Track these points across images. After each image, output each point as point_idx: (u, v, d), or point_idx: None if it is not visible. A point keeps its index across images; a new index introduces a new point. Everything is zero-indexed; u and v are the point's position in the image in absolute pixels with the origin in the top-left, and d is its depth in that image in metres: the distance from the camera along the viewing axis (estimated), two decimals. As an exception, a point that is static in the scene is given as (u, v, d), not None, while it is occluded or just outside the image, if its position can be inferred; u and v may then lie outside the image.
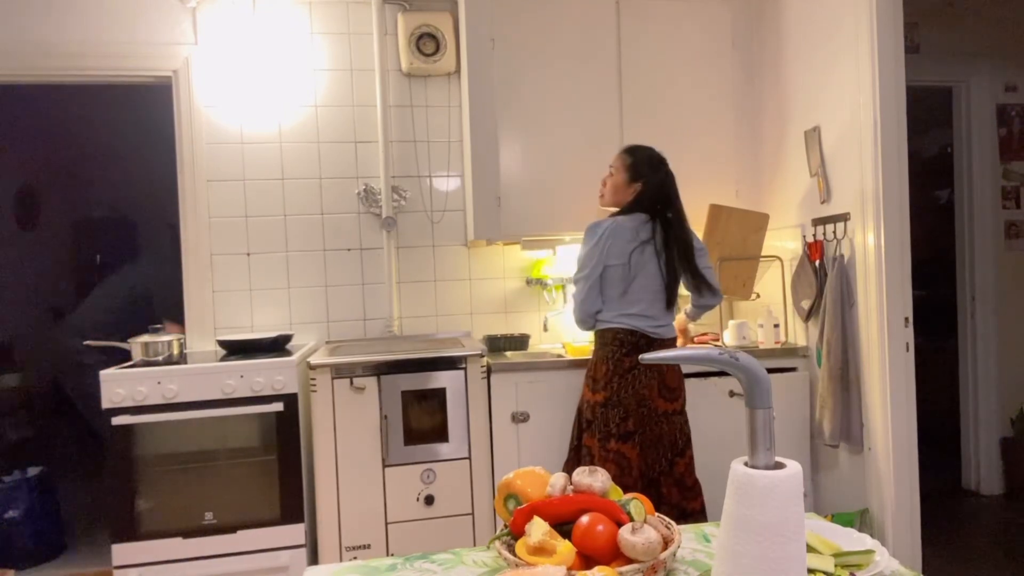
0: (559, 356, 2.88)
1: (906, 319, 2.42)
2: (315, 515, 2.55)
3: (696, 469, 2.42)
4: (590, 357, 2.45)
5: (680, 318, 2.60)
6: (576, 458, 2.45)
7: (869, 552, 0.96)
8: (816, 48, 2.73)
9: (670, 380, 2.36)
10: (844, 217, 2.57)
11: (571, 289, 2.84)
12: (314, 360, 2.54)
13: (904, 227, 2.43)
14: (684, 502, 2.35)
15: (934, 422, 3.10)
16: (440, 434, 2.61)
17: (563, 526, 0.99)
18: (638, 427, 2.30)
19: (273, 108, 3.10)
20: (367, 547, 2.56)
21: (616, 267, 2.32)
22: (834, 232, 2.63)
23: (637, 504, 1.02)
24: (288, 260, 3.13)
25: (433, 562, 1.06)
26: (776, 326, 2.86)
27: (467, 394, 2.62)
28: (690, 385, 2.68)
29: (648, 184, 2.39)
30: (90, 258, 5.88)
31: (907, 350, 2.42)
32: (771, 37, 3.04)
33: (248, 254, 3.10)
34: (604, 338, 2.37)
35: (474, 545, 2.54)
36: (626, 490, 1.38)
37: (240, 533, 2.49)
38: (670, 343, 2.41)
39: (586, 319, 2.40)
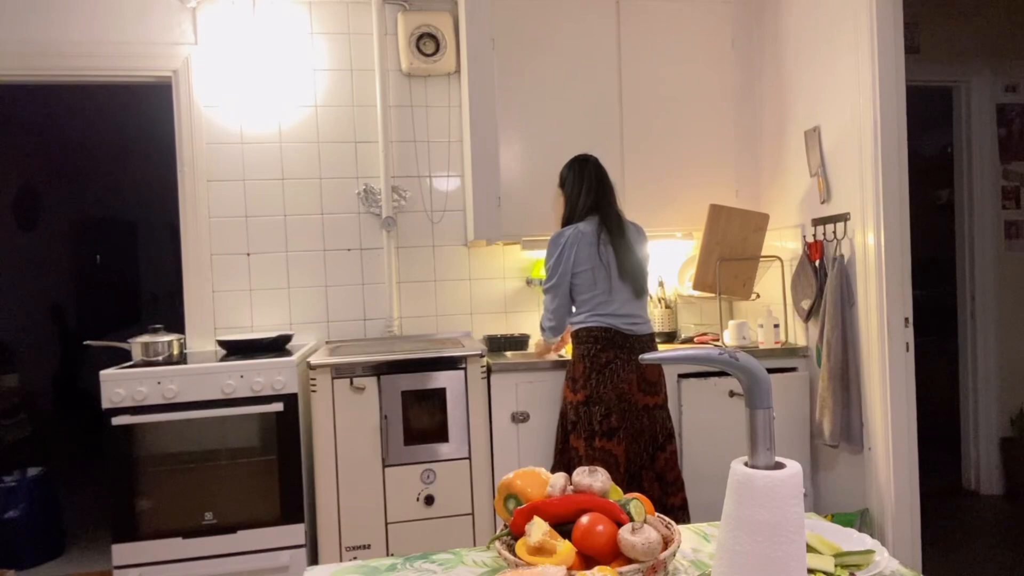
0: (559, 356, 2.88)
1: (906, 319, 2.42)
2: (315, 515, 2.55)
3: (680, 465, 2.45)
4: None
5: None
6: (562, 461, 2.47)
7: (869, 552, 0.96)
8: (816, 48, 2.73)
9: (649, 374, 2.38)
10: (844, 217, 2.57)
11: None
12: (314, 360, 2.54)
13: (904, 227, 2.43)
14: (665, 497, 2.36)
15: (934, 422, 3.10)
16: (440, 434, 2.61)
17: (563, 526, 0.99)
18: (621, 423, 2.32)
19: (273, 108, 3.10)
20: (367, 547, 2.56)
21: (584, 272, 2.37)
22: (834, 232, 2.63)
23: (637, 504, 1.02)
24: (288, 260, 3.13)
25: (433, 562, 1.06)
26: (776, 326, 2.86)
27: (467, 394, 2.62)
28: (690, 385, 2.69)
29: (566, 183, 2.50)
30: (90, 258, 5.89)
31: (907, 350, 2.42)
32: (771, 37, 3.04)
33: (248, 254, 3.10)
34: (579, 337, 2.41)
35: (474, 545, 2.54)
36: None
37: (240, 533, 2.49)
38: (647, 339, 2.42)
39: (559, 327, 2.49)
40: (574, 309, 2.46)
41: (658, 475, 2.38)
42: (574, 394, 2.39)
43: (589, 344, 2.37)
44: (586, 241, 2.37)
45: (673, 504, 2.37)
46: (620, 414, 2.32)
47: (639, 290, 2.41)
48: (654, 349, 2.47)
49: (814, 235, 2.77)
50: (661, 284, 3.23)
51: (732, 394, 2.70)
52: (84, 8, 2.94)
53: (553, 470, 2.48)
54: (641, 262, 2.44)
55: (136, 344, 2.63)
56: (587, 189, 2.45)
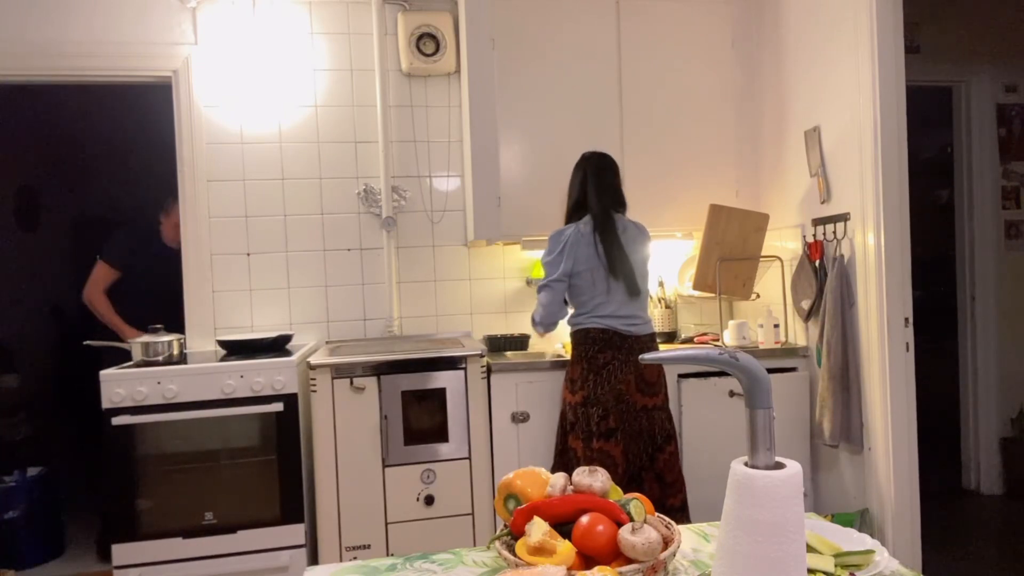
0: (559, 356, 2.87)
1: (906, 319, 2.42)
2: (315, 515, 2.55)
3: (681, 466, 2.44)
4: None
5: None
6: (561, 462, 2.47)
7: (869, 552, 0.96)
8: (816, 48, 2.73)
9: (648, 375, 2.37)
10: (844, 217, 2.57)
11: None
12: (314, 360, 2.54)
13: (904, 227, 2.43)
14: (664, 498, 2.36)
15: (934, 422, 3.10)
16: (440, 434, 2.60)
17: (563, 526, 0.99)
18: (619, 424, 2.32)
19: (273, 108, 3.10)
20: (367, 547, 2.56)
21: (584, 273, 2.38)
22: (834, 232, 2.63)
23: (637, 504, 1.02)
24: (288, 260, 3.13)
25: (433, 562, 1.06)
26: (776, 326, 2.86)
27: (467, 394, 2.62)
28: (690, 385, 2.69)
29: (572, 185, 2.51)
30: (90, 258, 5.88)
31: (907, 350, 2.42)
32: (771, 37, 3.04)
33: (248, 254, 3.10)
34: (577, 338, 2.42)
35: (474, 545, 2.54)
36: None
37: (240, 533, 2.48)
38: (647, 340, 2.41)
39: (549, 325, 2.46)
40: (571, 310, 2.46)
41: (657, 476, 2.38)
42: (572, 395, 2.39)
43: (587, 345, 2.37)
44: (585, 241, 2.37)
45: (672, 505, 2.37)
46: (618, 415, 2.32)
47: (633, 290, 2.38)
48: (654, 350, 2.47)
49: (814, 235, 2.77)
50: (661, 284, 3.23)
51: (732, 394, 2.70)
52: (84, 8, 2.94)
53: (553, 471, 2.47)
54: (636, 263, 2.41)
55: (136, 344, 2.63)
56: (581, 187, 2.46)
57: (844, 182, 2.59)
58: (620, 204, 2.48)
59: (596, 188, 2.43)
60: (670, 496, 2.37)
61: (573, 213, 2.47)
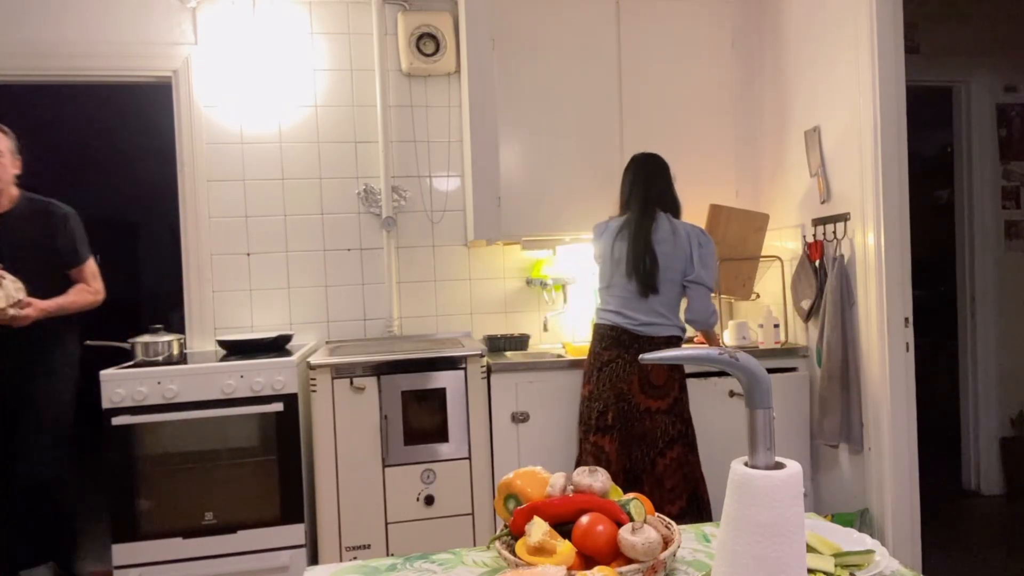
0: (559, 356, 2.88)
1: (906, 319, 2.42)
2: (315, 515, 2.55)
3: (691, 473, 2.39)
4: None
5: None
6: (577, 453, 2.49)
7: (869, 552, 0.96)
8: (816, 48, 2.73)
9: (654, 378, 2.35)
10: (844, 217, 2.57)
11: (571, 288, 3.29)
12: (314, 360, 2.54)
13: (904, 227, 2.43)
14: (662, 504, 2.33)
15: (934, 422, 3.10)
16: (440, 434, 2.61)
17: (563, 526, 0.99)
18: (617, 421, 2.33)
19: (273, 108, 3.10)
20: (367, 547, 2.56)
21: (602, 262, 2.45)
22: (834, 232, 2.63)
23: (637, 504, 1.02)
24: (288, 260, 3.13)
25: (433, 562, 1.06)
26: (776, 326, 2.86)
27: (467, 394, 2.62)
28: (690, 385, 2.67)
29: (621, 186, 2.53)
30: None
31: (907, 350, 2.42)
32: (771, 37, 3.04)
33: (248, 254, 3.10)
34: (592, 332, 2.47)
35: (474, 545, 2.54)
36: None
37: (240, 533, 2.49)
38: (661, 342, 2.35)
39: None
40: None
41: (658, 480, 2.35)
42: (583, 388, 2.45)
43: (595, 341, 2.42)
44: (608, 236, 2.43)
45: (670, 512, 2.32)
46: (617, 413, 2.33)
47: (648, 289, 2.32)
48: None
49: (814, 235, 2.77)
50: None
51: (732, 394, 2.70)
52: (84, 8, 2.94)
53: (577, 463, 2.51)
54: (665, 266, 2.33)
55: (136, 344, 2.63)
56: (623, 186, 2.51)
57: (844, 182, 2.59)
58: (665, 205, 2.43)
59: (637, 191, 2.45)
60: (667, 503, 2.33)
61: (623, 211, 2.50)
